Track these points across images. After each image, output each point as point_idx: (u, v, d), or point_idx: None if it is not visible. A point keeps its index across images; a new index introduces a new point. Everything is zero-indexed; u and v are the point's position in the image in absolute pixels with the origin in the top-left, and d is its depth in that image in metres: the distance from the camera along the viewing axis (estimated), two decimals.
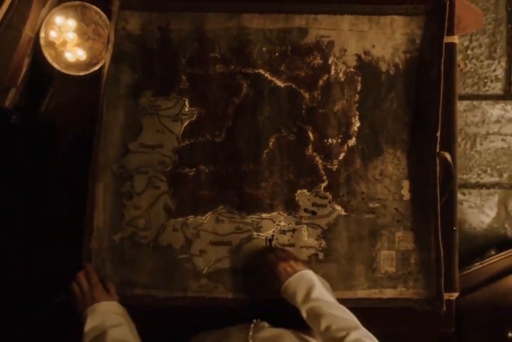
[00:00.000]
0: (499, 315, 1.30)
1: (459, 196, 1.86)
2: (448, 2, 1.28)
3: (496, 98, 1.90)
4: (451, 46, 1.29)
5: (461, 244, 1.79)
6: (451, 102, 1.29)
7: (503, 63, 1.89)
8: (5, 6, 1.17)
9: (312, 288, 1.11)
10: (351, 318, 1.06)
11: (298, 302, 1.10)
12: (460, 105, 1.87)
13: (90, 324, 1.16)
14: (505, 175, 1.88)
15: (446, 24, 1.28)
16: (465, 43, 1.87)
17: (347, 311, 1.09)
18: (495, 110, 1.89)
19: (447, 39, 1.28)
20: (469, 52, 1.88)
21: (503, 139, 1.88)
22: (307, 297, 1.10)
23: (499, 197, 1.88)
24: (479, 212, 1.88)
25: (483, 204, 1.87)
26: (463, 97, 1.87)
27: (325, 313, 1.06)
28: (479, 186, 1.89)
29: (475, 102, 1.88)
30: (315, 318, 1.06)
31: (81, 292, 1.21)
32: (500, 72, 1.90)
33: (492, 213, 1.87)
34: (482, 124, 1.88)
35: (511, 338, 1.22)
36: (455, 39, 1.30)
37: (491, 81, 1.90)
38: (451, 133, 1.29)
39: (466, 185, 1.87)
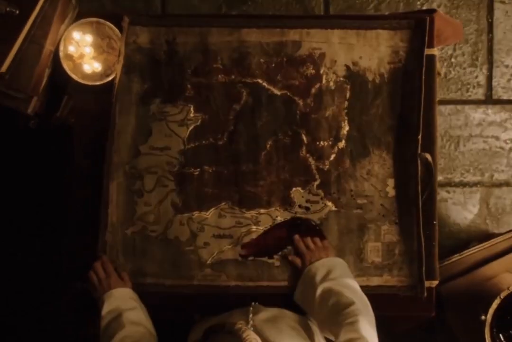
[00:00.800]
0: (475, 301, 1.42)
1: (444, 194, 2.00)
2: (428, 18, 1.41)
3: (478, 103, 2.04)
4: (431, 58, 1.43)
5: (446, 238, 1.94)
6: (431, 108, 1.43)
7: (485, 71, 2.03)
8: (28, 24, 1.30)
9: (331, 270, 1.27)
10: (359, 300, 1.19)
11: (317, 281, 1.25)
12: (445, 110, 2.01)
13: (107, 308, 1.30)
14: (487, 174, 2.02)
15: (426, 38, 1.41)
16: (449, 52, 2.01)
17: (359, 291, 1.24)
18: (477, 114, 2.03)
19: (427, 51, 1.42)
20: (453, 60, 2.02)
21: (484, 141, 2.02)
22: (325, 277, 1.26)
23: (481, 195, 2.02)
24: (462, 209, 2.02)
25: (466, 201, 2.01)
26: (447, 102, 2.01)
27: (337, 291, 1.21)
28: (462, 184, 2.03)
29: (458, 107, 2.02)
30: (328, 294, 1.21)
31: (98, 280, 1.35)
32: (481, 79, 2.04)
33: (475, 210, 2.01)
34: (465, 127, 2.02)
35: (483, 320, 1.36)
36: (435, 51, 1.44)
37: (473, 87, 2.04)
38: (431, 136, 1.43)
39: (451, 184, 2.01)
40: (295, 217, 1.40)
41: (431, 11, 1.47)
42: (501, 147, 2.02)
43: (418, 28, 1.42)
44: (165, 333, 1.33)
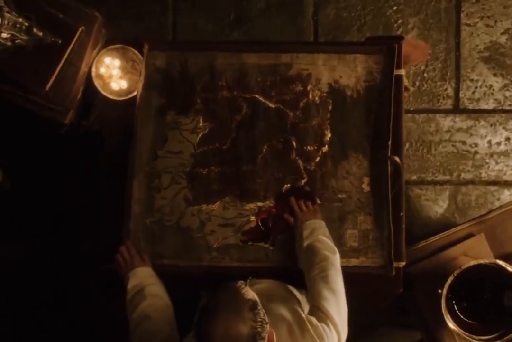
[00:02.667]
0: (436, 279, 1.71)
1: (418, 191, 2.30)
2: (396, 45, 1.70)
3: (447, 112, 2.33)
4: (399, 77, 1.71)
5: (420, 229, 2.23)
6: (399, 119, 1.71)
7: (453, 84, 2.33)
8: (68, 51, 1.59)
9: (315, 230, 1.59)
10: (332, 253, 1.52)
11: (303, 237, 1.57)
12: (418, 118, 2.30)
13: (131, 283, 1.57)
14: (455, 174, 2.32)
15: (395, 61, 1.70)
16: (422, 68, 2.31)
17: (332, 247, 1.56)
18: (446, 122, 2.32)
19: (396, 72, 1.70)
20: (425, 74, 2.32)
21: (453, 145, 2.31)
22: (310, 235, 1.57)
23: (450, 192, 2.32)
24: (433, 204, 2.31)
25: (437, 198, 2.31)
26: (420, 111, 2.31)
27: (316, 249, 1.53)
28: (433, 183, 2.32)
29: (430, 115, 2.31)
30: (310, 248, 1.54)
31: (123, 261, 1.62)
32: (450, 91, 2.33)
33: (444, 205, 2.31)
34: (436, 133, 2.32)
35: (440, 293, 1.64)
36: (402, 72, 1.72)
37: (443, 98, 2.33)
38: (399, 142, 1.71)
39: (423, 182, 2.31)
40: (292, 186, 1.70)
41: (400, 38, 1.76)
42: (467, 151, 2.32)
43: (389, 53, 1.71)
44: (178, 305, 1.61)
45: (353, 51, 1.72)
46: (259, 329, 1.14)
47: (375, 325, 2.27)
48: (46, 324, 2.24)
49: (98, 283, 1.76)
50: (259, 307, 1.18)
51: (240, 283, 1.21)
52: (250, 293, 1.19)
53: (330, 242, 1.58)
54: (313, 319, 1.37)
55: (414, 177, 2.32)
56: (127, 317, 1.54)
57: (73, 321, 2.22)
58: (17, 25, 1.45)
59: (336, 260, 1.53)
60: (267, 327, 1.18)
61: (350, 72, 1.72)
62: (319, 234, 1.59)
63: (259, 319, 1.16)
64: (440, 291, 1.63)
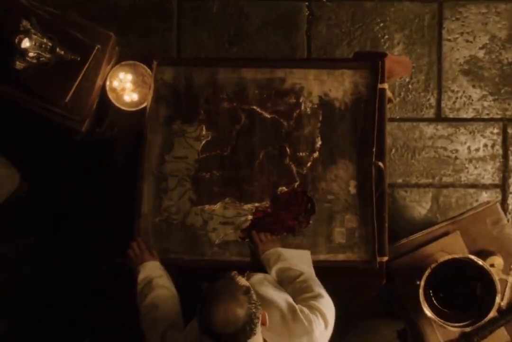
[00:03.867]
0: (416, 272, 1.88)
1: (403, 193, 2.48)
2: (380, 62, 1.88)
3: (430, 120, 2.50)
4: (383, 91, 1.89)
5: (404, 228, 2.40)
6: (383, 128, 1.88)
7: (435, 95, 2.50)
8: (85, 67, 1.77)
9: (280, 256, 1.73)
10: (305, 270, 1.67)
11: (270, 265, 1.72)
12: (403, 126, 2.49)
13: (141, 276, 1.74)
14: (437, 178, 2.49)
15: (379, 76, 1.88)
16: (407, 80, 2.48)
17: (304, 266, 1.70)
18: (429, 129, 2.50)
19: (380, 86, 1.87)
20: (410, 86, 2.50)
21: (435, 151, 2.49)
22: (275, 262, 1.72)
23: (432, 194, 2.49)
24: (417, 205, 2.49)
25: (420, 199, 2.48)
26: (405, 120, 2.49)
27: (289, 269, 1.68)
28: (417, 185, 2.49)
29: (414, 124, 2.49)
30: (281, 271, 1.69)
31: (134, 255, 1.79)
32: (432, 101, 2.51)
33: (427, 206, 2.48)
34: (419, 140, 2.50)
35: (418, 285, 1.82)
36: (386, 85, 1.90)
37: (426, 108, 2.50)
38: (382, 148, 1.88)
39: (408, 185, 2.49)
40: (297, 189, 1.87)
41: (384, 55, 1.94)
42: (448, 156, 2.50)
43: (373, 69, 1.89)
44: (182, 295, 1.78)
45: (341, 67, 1.90)
46: (253, 310, 1.31)
47: (362, 316, 2.45)
48: (46, 323, 2.41)
49: (111, 274, 1.94)
50: (252, 292, 1.35)
51: (234, 273, 1.38)
52: (243, 281, 1.36)
53: (296, 259, 1.74)
54: (304, 309, 1.52)
55: (399, 180, 2.49)
56: (131, 302, 1.71)
57: (73, 321, 2.40)
58: (43, 45, 1.64)
59: (309, 272, 1.69)
60: (261, 308, 1.35)
61: (338, 86, 1.90)
62: (284, 257, 1.74)
63: (253, 302, 1.32)
64: (418, 282, 1.81)
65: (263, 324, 1.38)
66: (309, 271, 1.69)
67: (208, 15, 2.48)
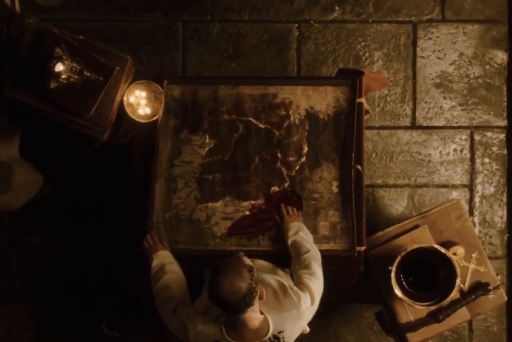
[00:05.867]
0: (389, 260, 2.16)
1: (382, 192, 2.76)
2: (358, 79, 2.18)
3: (406, 128, 2.75)
4: (360, 104, 2.18)
5: (383, 223, 2.67)
6: (360, 136, 2.17)
7: (410, 105, 2.74)
8: (107, 85, 2.08)
9: (299, 231, 2.03)
10: (313, 249, 1.97)
11: (289, 235, 2.01)
12: (383, 133, 2.76)
13: (155, 262, 2.03)
14: (412, 179, 2.74)
15: (357, 92, 2.17)
16: (386, 92, 2.73)
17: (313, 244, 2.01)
18: (405, 136, 2.74)
19: (358, 100, 2.16)
20: (388, 98, 2.75)
21: (410, 155, 2.74)
22: (294, 234, 2.02)
23: (408, 193, 2.74)
24: (395, 203, 2.73)
25: (397, 198, 2.73)
26: (384, 128, 2.75)
27: (301, 244, 1.98)
28: (395, 186, 2.74)
29: (392, 131, 2.74)
30: (294, 244, 1.98)
31: (148, 246, 2.08)
32: (408, 111, 2.75)
33: (404, 204, 2.73)
34: (397, 145, 2.74)
35: (390, 270, 2.11)
36: (363, 100, 2.19)
37: (403, 117, 2.75)
38: (360, 153, 2.17)
39: (387, 185, 2.74)
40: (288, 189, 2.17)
41: (361, 73, 2.25)
42: (422, 160, 2.74)
43: (352, 85, 2.18)
44: (189, 279, 2.04)
45: (324, 84, 2.19)
46: (254, 285, 1.57)
47: (345, 302, 2.72)
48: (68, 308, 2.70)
49: (129, 262, 2.24)
50: (254, 270, 1.61)
51: (241, 253, 1.66)
52: (248, 261, 1.62)
53: (310, 240, 2.05)
54: (294, 287, 1.81)
55: (379, 181, 2.75)
56: (146, 290, 2.01)
57: (92, 306, 2.69)
58: (72, 69, 1.95)
59: (316, 253, 1.98)
60: (260, 285, 1.62)
61: (322, 100, 2.19)
62: (302, 234, 2.04)
63: (254, 279, 1.58)
64: (390, 268, 2.11)
65: (261, 298, 1.65)
66: (315, 251, 1.98)
67: (209, 36, 2.74)
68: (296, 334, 1.81)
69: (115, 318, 2.69)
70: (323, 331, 2.74)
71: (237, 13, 2.76)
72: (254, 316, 1.66)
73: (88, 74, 2.00)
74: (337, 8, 2.77)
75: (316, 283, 1.86)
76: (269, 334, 1.71)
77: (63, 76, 1.92)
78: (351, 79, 2.20)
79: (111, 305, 2.68)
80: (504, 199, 2.78)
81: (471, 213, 2.75)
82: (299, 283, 1.86)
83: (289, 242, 2.02)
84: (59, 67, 1.88)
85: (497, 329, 2.75)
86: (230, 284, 1.55)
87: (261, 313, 1.69)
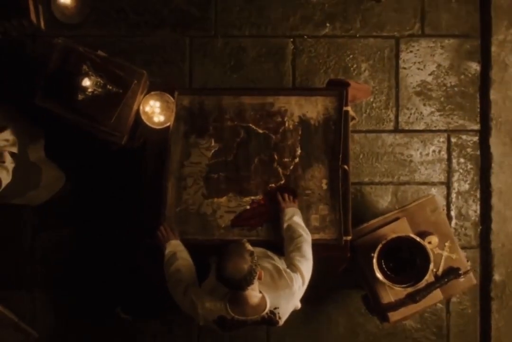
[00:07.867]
0: (372, 248, 2.45)
1: (369, 189, 3.01)
2: (344, 90, 2.48)
3: (389, 131, 3.00)
4: (346, 112, 2.47)
5: (370, 217, 2.91)
6: (347, 140, 2.46)
7: (394, 111, 3.00)
8: (125, 96, 2.38)
9: (293, 216, 2.30)
10: (305, 233, 2.23)
11: (285, 220, 2.28)
12: (369, 136, 3.03)
13: (167, 250, 2.30)
14: (395, 177, 2.99)
15: (344, 101, 2.47)
16: (372, 99, 3.00)
17: (305, 228, 2.27)
18: (389, 139, 3.00)
19: (344, 108, 2.44)
20: (373, 104, 3.00)
21: (394, 156, 2.99)
22: (289, 219, 2.28)
23: (392, 190, 3.00)
24: (380, 199, 2.99)
25: (382, 194, 2.99)
26: (370, 131, 3.00)
27: (295, 229, 2.25)
28: (380, 183, 2.99)
29: (377, 134, 3.00)
30: (288, 228, 2.25)
31: (162, 236, 2.37)
32: (392, 116, 3.00)
33: (388, 199, 2.99)
34: (381, 147, 2.99)
35: (372, 256, 2.41)
36: (349, 108, 2.47)
37: (387, 122, 3.00)
38: (346, 155, 2.46)
39: (373, 183, 3.00)
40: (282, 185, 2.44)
41: (348, 84, 2.55)
42: (404, 160, 3.00)
43: (339, 96, 2.47)
44: (197, 265, 2.30)
45: (315, 94, 2.48)
46: (254, 267, 1.84)
47: (336, 288, 2.97)
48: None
49: (144, 251, 2.55)
50: (255, 255, 1.88)
51: (245, 240, 1.94)
52: (250, 247, 1.90)
53: (303, 224, 2.34)
54: (287, 270, 2.09)
55: (366, 179, 3.00)
56: (160, 278, 2.27)
57: (108, 291, 2.95)
58: (97, 83, 2.25)
59: (307, 236, 2.24)
60: (259, 267, 1.90)
61: (313, 108, 2.48)
62: (296, 219, 2.31)
63: (254, 261, 1.85)
64: (372, 254, 2.40)
65: (259, 278, 1.92)
66: (306, 234, 2.24)
67: (214, 49, 2.99)
68: (289, 310, 2.10)
69: (129, 304, 2.94)
70: (318, 314, 3.01)
71: (238, 29, 3.02)
72: (253, 294, 1.94)
73: (110, 87, 2.29)
74: (328, 24, 3.04)
75: (306, 264, 2.13)
76: (266, 310, 2.00)
77: (89, 90, 2.22)
78: (338, 90, 2.50)
79: (126, 292, 2.94)
80: (478, 194, 3.05)
81: (448, 207, 3.03)
82: (291, 265, 2.11)
83: (285, 225, 2.28)
84: (86, 82, 2.18)
85: (471, 311, 3.04)
86: (234, 265, 1.82)
87: (260, 292, 1.98)
